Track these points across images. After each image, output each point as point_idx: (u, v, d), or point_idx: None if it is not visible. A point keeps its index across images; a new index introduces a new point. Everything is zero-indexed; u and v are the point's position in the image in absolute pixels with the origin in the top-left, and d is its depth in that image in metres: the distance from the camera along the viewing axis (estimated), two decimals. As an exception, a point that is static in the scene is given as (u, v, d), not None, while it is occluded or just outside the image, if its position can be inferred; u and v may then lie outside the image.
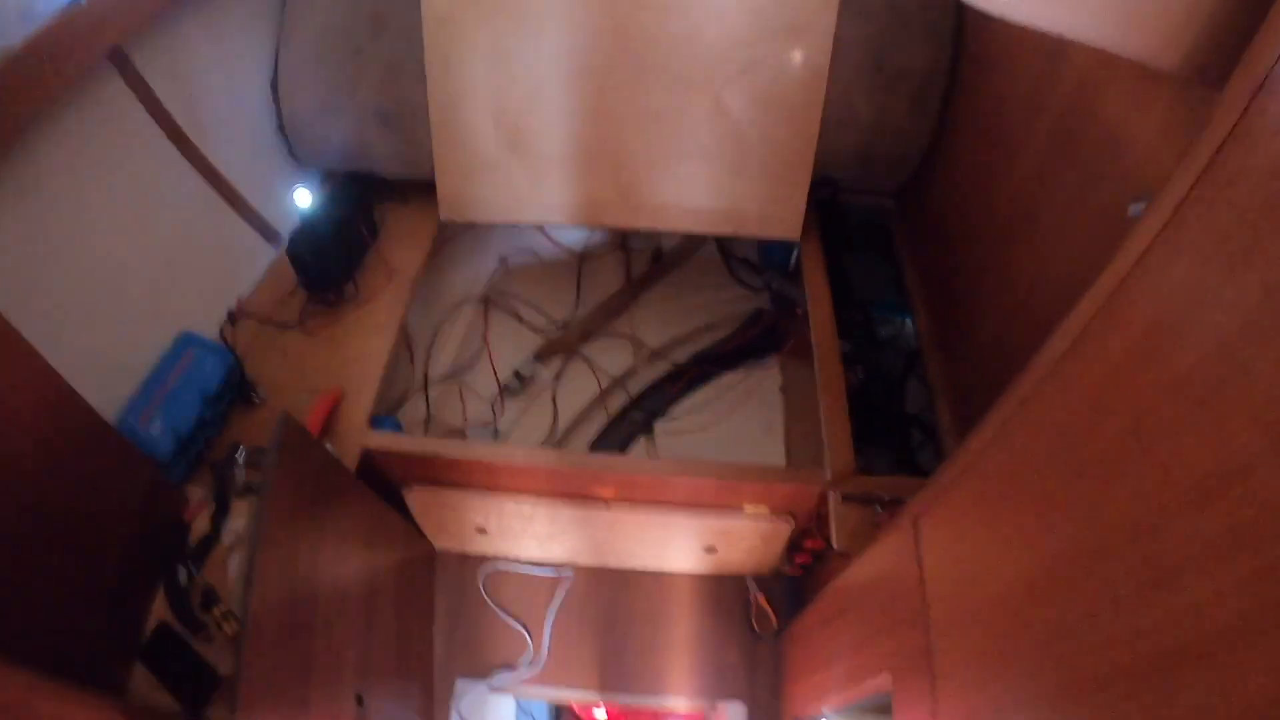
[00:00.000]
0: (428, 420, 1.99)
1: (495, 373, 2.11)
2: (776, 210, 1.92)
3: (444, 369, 2.11)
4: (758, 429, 2.07)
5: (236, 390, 1.76)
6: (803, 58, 1.73)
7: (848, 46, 1.77)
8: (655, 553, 1.89)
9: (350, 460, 1.61)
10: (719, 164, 1.86)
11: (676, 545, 1.83)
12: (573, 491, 1.66)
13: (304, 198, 1.95)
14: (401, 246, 2.04)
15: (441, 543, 1.94)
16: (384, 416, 1.78)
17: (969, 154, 1.83)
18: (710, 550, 1.83)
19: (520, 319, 2.26)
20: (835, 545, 1.48)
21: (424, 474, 1.69)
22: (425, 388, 2.05)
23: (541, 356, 2.19)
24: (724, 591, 1.96)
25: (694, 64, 1.75)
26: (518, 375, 2.12)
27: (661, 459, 1.79)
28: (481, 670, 1.83)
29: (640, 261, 2.39)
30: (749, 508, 1.68)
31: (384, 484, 1.73)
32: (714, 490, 1.62)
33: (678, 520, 1.70)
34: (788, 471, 1.60)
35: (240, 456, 1.66)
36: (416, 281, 1.98)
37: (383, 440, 1.63)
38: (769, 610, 1.90)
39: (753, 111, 1.79)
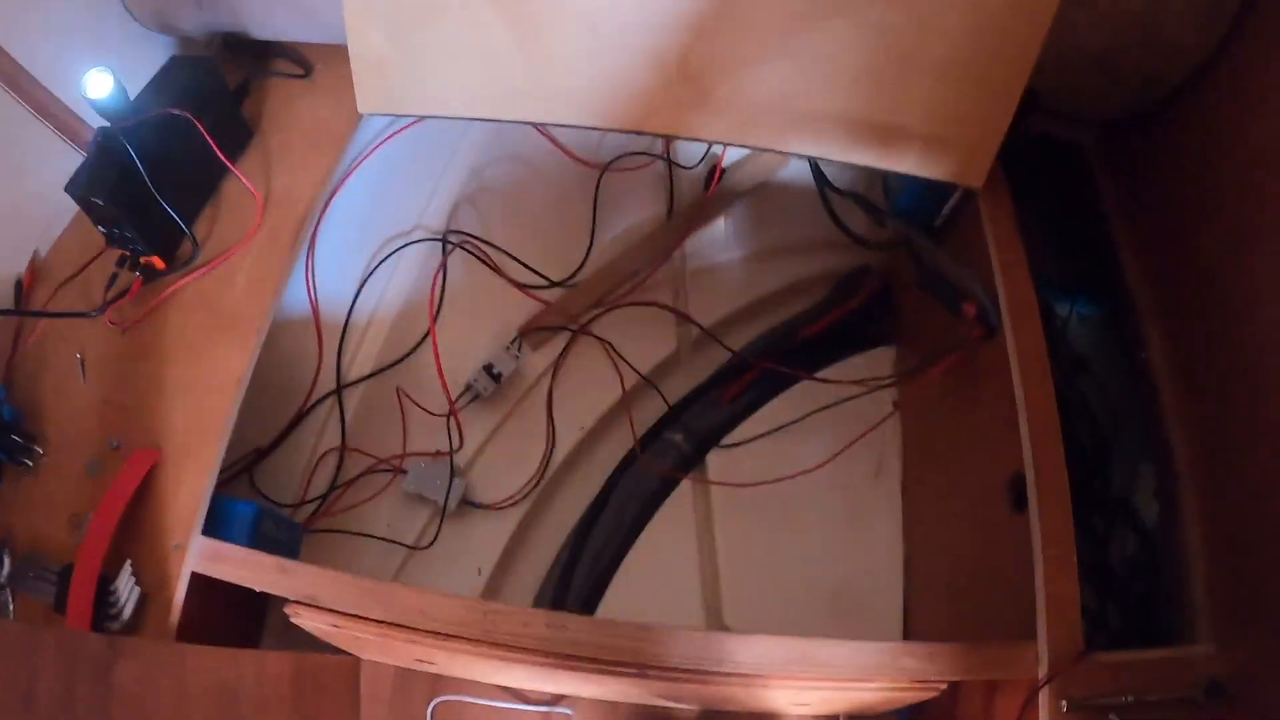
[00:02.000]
0: (341, 456, 1.23)
1: (442, 376, 1.33)
2: (955, 135, 1.06)
3: (370, 361, 1.32)
4: (863, 472, 1.34)
5: (4, 445, 0.98)
6: None
7: None
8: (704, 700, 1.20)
9: (169, 596, 0.88)
10: (871, 42, 0.98)
11: (740, 701, 1.14)
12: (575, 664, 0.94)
13: (102, 84, 1.03)
14: (290, 160, 1.17)
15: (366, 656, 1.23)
16: (235, 501, 0.99)
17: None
18: (798, 706, 1.14)
19: (498, 271, 1.43)
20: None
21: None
22: (339, 395, 1.27)
23: (529, 337, 1.40)
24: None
25: None
26: (489, 371, 1.34)
27: (733, 635, 0.98)
28: None
29: (691, 184, 1.51)
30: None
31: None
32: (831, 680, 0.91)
33: (751, 691, 1.00)
34: (962, 654, 0.89)
35: (4, 568, 0.94)
36: (311, 224, 1.13)
37: (221, 563, 0.88)
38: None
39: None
